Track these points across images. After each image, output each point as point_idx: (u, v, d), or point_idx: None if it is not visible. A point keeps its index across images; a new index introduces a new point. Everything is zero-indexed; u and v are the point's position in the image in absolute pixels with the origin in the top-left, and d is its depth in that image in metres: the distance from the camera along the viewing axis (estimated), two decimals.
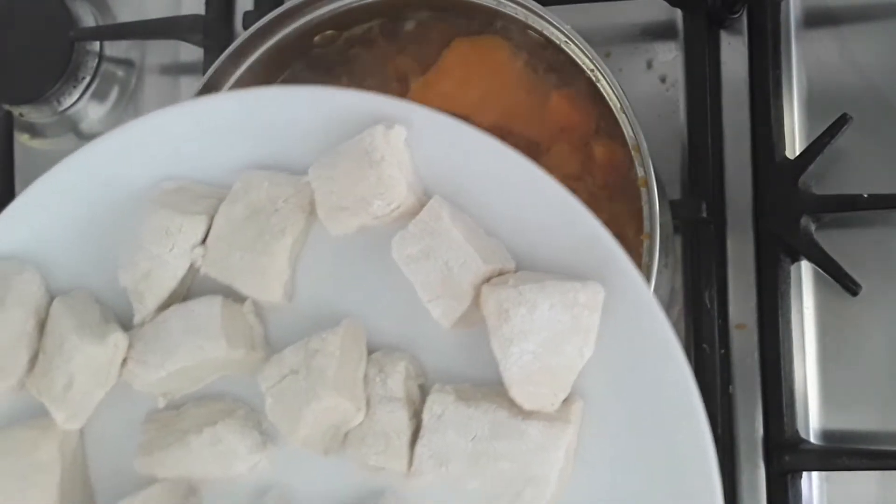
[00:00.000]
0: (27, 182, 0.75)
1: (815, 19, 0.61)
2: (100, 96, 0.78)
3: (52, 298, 0.48)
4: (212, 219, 0.46)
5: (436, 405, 0.41)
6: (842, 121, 0.57)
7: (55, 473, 0.46)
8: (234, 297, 0.46)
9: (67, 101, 0.77)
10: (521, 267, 0.43)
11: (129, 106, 0.77)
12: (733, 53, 0.62)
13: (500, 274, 0.42)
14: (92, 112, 0.78)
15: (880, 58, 0.60)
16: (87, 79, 0.77)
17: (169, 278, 0.46)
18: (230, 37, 0.72)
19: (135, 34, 0.76)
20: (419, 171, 0.44)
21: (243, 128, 0.46)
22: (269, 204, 0.45)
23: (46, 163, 0.78)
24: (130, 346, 0.46)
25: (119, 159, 0.48)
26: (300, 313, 0.46)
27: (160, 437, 0.46)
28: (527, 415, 0.40)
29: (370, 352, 0.44)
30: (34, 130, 0.79)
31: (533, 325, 0.39)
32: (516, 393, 0.40)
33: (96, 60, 0.77)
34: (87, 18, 0.77)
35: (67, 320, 0.46)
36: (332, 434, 0.43)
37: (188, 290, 0.47)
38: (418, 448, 0.41)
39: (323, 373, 0.41)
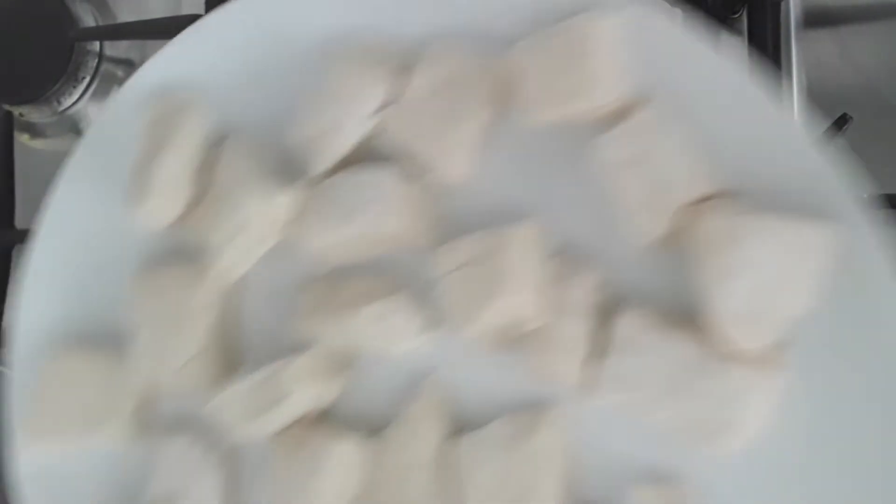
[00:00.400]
0: (27, 182, 0.76)
1: (815, 19, 0.61)
2: (100, 96, 0.78)
3: (222, 139, 0.46)
4: (397, 84, 0.43)
5: (627, 327, 0.39)
6: (842, 121, 0.57)
7: (207, 319, 0.45)
8: (413, 171, 0.43)
9: (67, 101, 0.77)
10: (740, 194, 0.39)
11: None
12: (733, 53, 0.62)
13: (716, 197, 0.38)
14: (92, 112, 0.78)
15: (880, 58, 0.60)
16: (87, 79, 0.77)
17: (345, 140, 0.43)
18: None
19: (135, 34, 0.76)
20: (635, 69, 0.40)
21: None
22: (462, 79, 0.41)
23: (46, 163, 0.79)
24: (299, 206, 0.44)
25: (299, 6, 0.45)
26: (481, 200, 0.43)
27: (322, 303, 0.44)
28: (729, 354, 0.37)
29: (555, 256, 0.41)
30: (34, 130, 0.79)
31: (750, 262, 0.36)
32: (722, 330, 0.37)
33: (96, 60, 0.77)
34: (87, 18, 0.77)
35: (238, 166, 0.44)
36: (506, 332, 0.41)
37: (364, 156, 0.44)
38: (604, 367, 0.39)
39: (506, 269, 0.39)
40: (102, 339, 0.48)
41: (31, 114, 0.78)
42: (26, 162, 0.76)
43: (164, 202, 0.46)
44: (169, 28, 0.73)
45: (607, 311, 0.40)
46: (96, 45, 0.77)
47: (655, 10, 0.40)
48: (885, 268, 0.37)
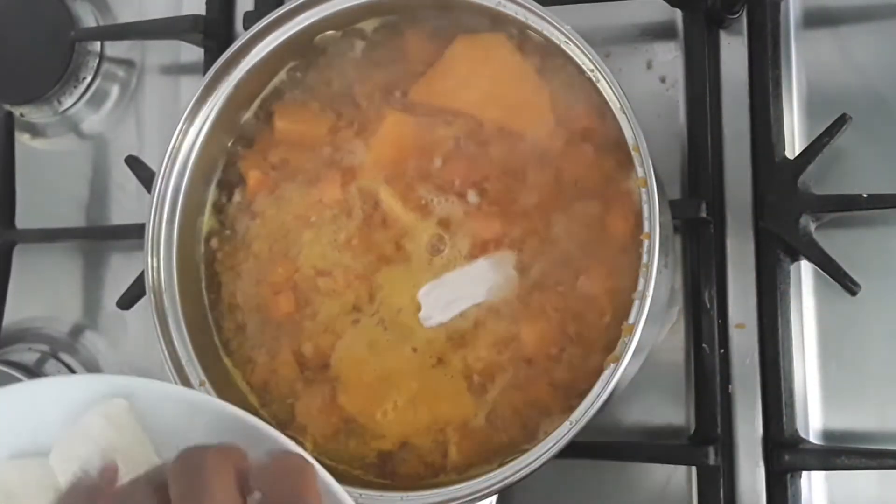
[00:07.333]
0: (27, 182, 0.76)
1: (814, 19, 0.61)
2: (100, 96, 0.78)
3: None
4: None
5: None
6: (841, 121, 0.57)
7: None
8: None
9: (68, 101, 0.77)
10: None
11: (129, 106, 0.77)
12: (733, 53, 0.62)
13: None
14: (93, 112, 0.78)
15: (880, 58, 0.60)
16: (88, 79, 0.77)
17: None
18: (230, 37, 0.72)
19: (135, 34, 0.76)
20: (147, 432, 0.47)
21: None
22: (21, 488, 0.48)
23: (47, 163, 0.79)
24: None
25: None
26: None
27: None
28: None
29: None
30: (35, 130, 0.79)
31: None
32: None
33: (97, 60, 0.78)
34: (88, 18, 0.78)
35: None
36: None
37: None
38: None
39: None
40: None
41: (32, 114, 0.78)
42: (27, 162, 0.76)
43: None
44: (169, 28, 0.73)
45: None
46: (97, 45, 0.77)
47: (155, 384, 0.46)
48: None
